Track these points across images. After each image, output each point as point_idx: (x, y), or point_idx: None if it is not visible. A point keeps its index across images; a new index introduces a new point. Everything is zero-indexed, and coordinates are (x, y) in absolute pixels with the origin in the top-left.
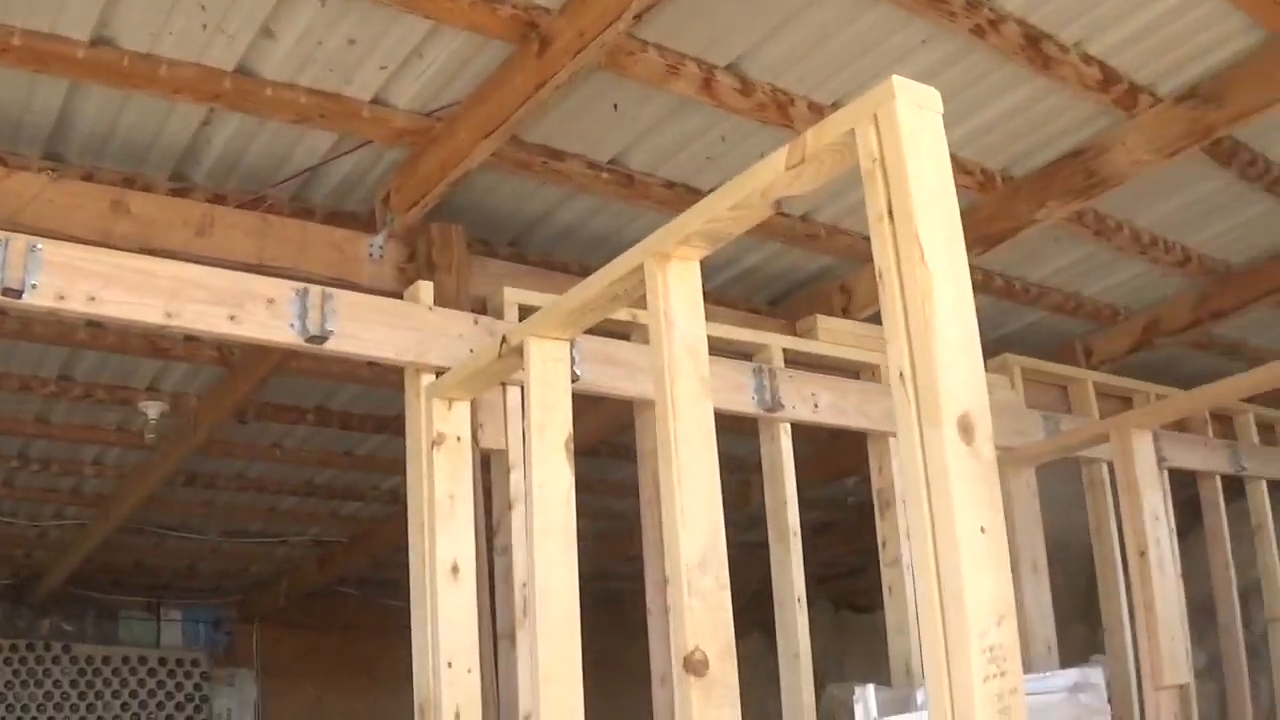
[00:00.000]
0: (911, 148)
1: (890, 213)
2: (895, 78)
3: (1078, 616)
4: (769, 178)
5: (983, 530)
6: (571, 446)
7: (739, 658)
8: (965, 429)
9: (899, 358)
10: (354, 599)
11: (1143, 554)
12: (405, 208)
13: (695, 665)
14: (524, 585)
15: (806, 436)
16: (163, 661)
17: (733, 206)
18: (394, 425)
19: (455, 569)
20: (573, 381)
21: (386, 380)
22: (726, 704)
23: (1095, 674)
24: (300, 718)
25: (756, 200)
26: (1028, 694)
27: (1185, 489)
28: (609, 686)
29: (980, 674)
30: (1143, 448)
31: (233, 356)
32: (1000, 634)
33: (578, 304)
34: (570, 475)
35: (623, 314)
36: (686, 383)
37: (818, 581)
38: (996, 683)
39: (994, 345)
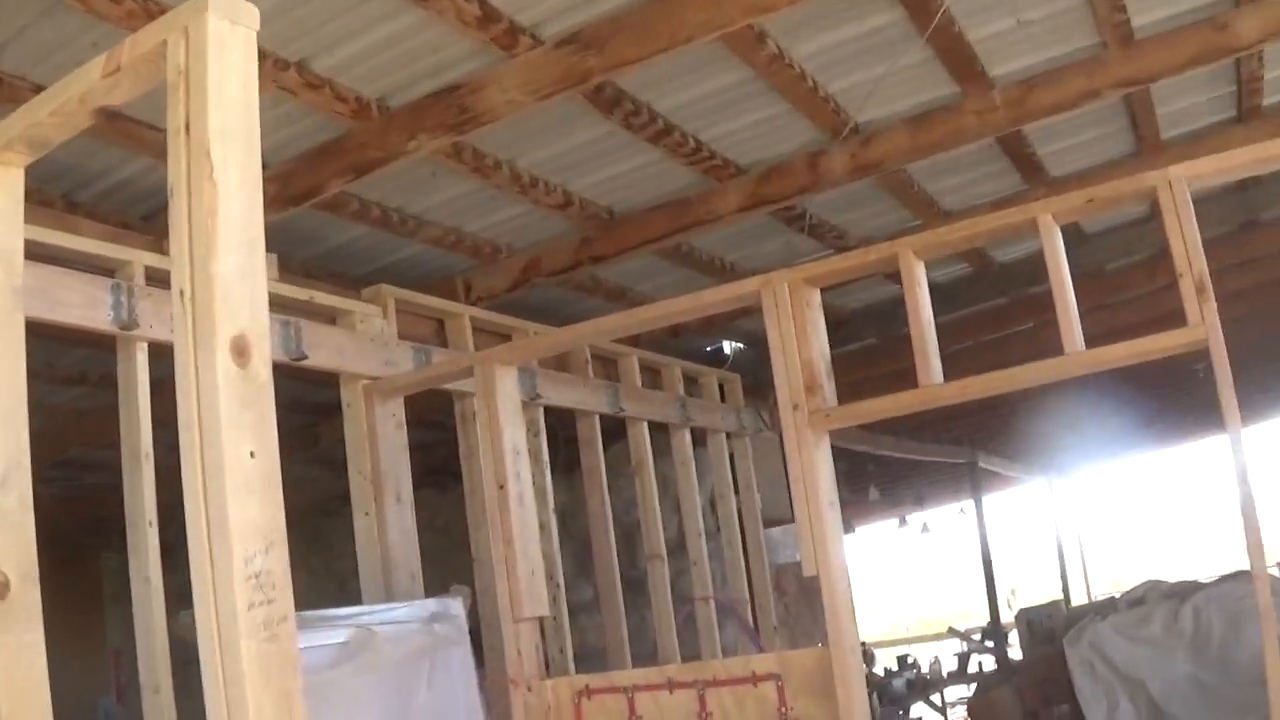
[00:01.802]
0: (217, 62)
1: (187, 127)
2: None
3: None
4: (86, 85)
5: (252, 455)
6: None
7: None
8: (240, 351)
9: (180, 275)
10: None
11: (501, 487)
12: None
13: None
14: None
15: None
16: None
17: (52, 113)
18: None
19: None
20: None
21: None
22: (29, 629)
23: (454, 604)
24: None
25: (75, 107)
26: (381, 624)
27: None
28: None
29: (245, 601)
30: (505, 382)
31: None
32: (268, 561)
33: None
34: None
35: None
36: None
37: None
38: (263, 610)
39: (373, 276)
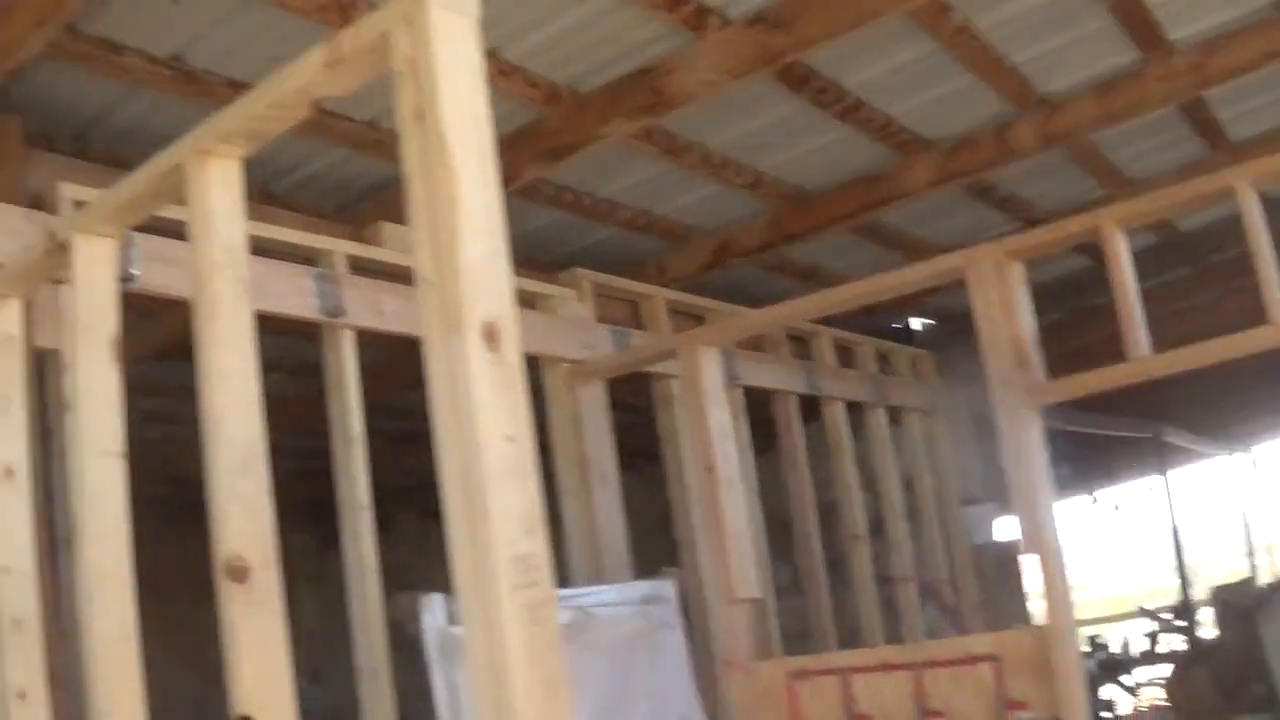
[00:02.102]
0: (443, 51)
1: (419, 116)
2: None
3: (663, 528)
4: (306, 77)
5: (509, 439)
6: (119, 348)
7: None
8: (490, 336)
9: (424, 263)
10: None
11: (709, 469)
12: None
13: (236, 572)
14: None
15: (387, 344)
16: None
17: (271, 105)
18: None
19: (9, 472)
20: (128, 281)
21: None
22: (269, 611)
23: (666, 587)
24: None
25: (295, 99)
26: (598, 606)
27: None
28: (184, 594)
29: (509, 585)
30: (709, 364)
31: None
32: (530, 544)
33: (121, 201)
34: (116, 378)
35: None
36: (224, 283)
37: (403, 491)
38: (527, 593)
39: (566, 259)
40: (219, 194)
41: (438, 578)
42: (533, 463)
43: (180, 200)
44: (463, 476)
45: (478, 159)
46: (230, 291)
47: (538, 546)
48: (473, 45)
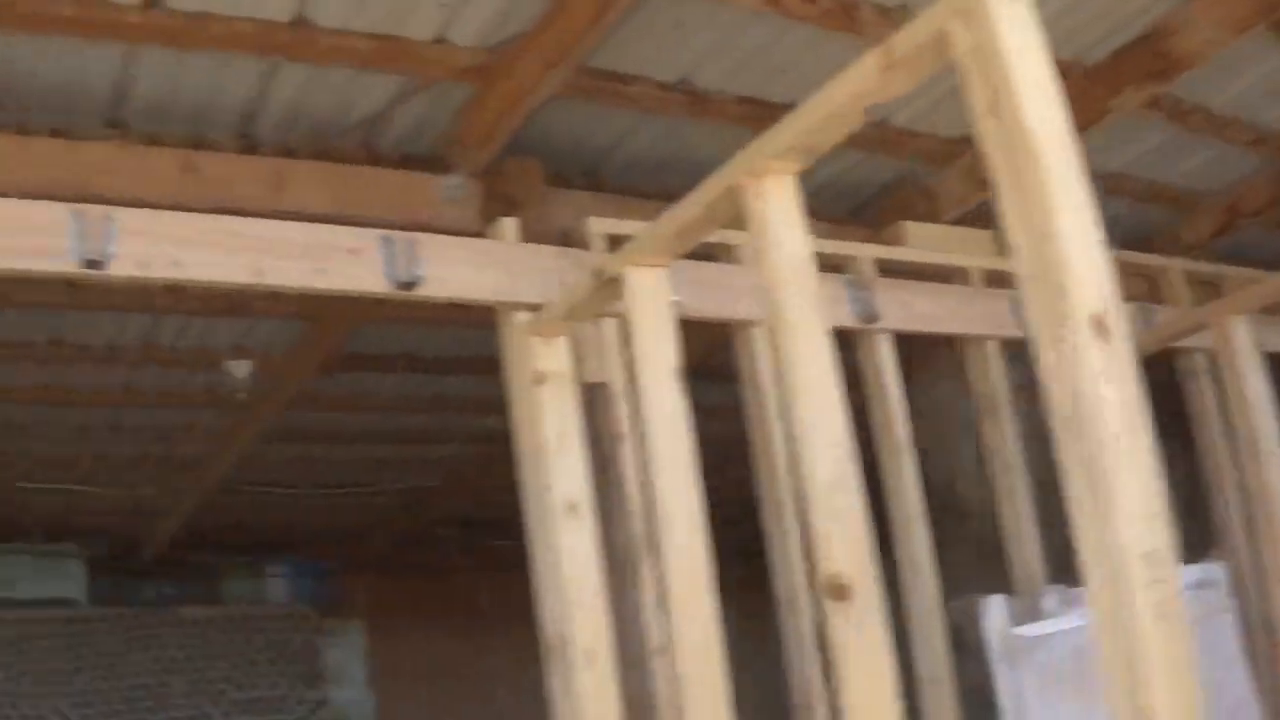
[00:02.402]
0: (1008, 39)
1: (994, 110)
2: None
3: (1187, 510)
4: (861, 84)
5: (1128, 433)
6: (681, 373)
7: None
8: (1100, 328)
9: (1024, 261)
10: (451, 541)
11: (1255, 444)
12: (477, 146)
13: (836, 590)
14: (645, 518)
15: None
16: (269, 618)
17: (825, 116)
18: (478, 365)
19: (573, 506)
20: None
21: (471, 321)
22: (872, 626)
23: (1217, 570)
24: (409, 663)
25: (848, 108)
26: None
27: None
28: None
29: (1139, 580)
30: (1243, 334)
31: (317, 310)
32: (1156, 540)
33: (674, 229)
34: (683, 403)
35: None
36: (796, 300)
37: None
38: (1156, 590)
39: None
40: (779, 212)
41: (953, 576)
42: (1154, 456)
43: (735, 224)
44: (1086, 474)
45: (1061, 147)
46: (805, 306)
47: (1163, 542)
48: (1034, 29)
